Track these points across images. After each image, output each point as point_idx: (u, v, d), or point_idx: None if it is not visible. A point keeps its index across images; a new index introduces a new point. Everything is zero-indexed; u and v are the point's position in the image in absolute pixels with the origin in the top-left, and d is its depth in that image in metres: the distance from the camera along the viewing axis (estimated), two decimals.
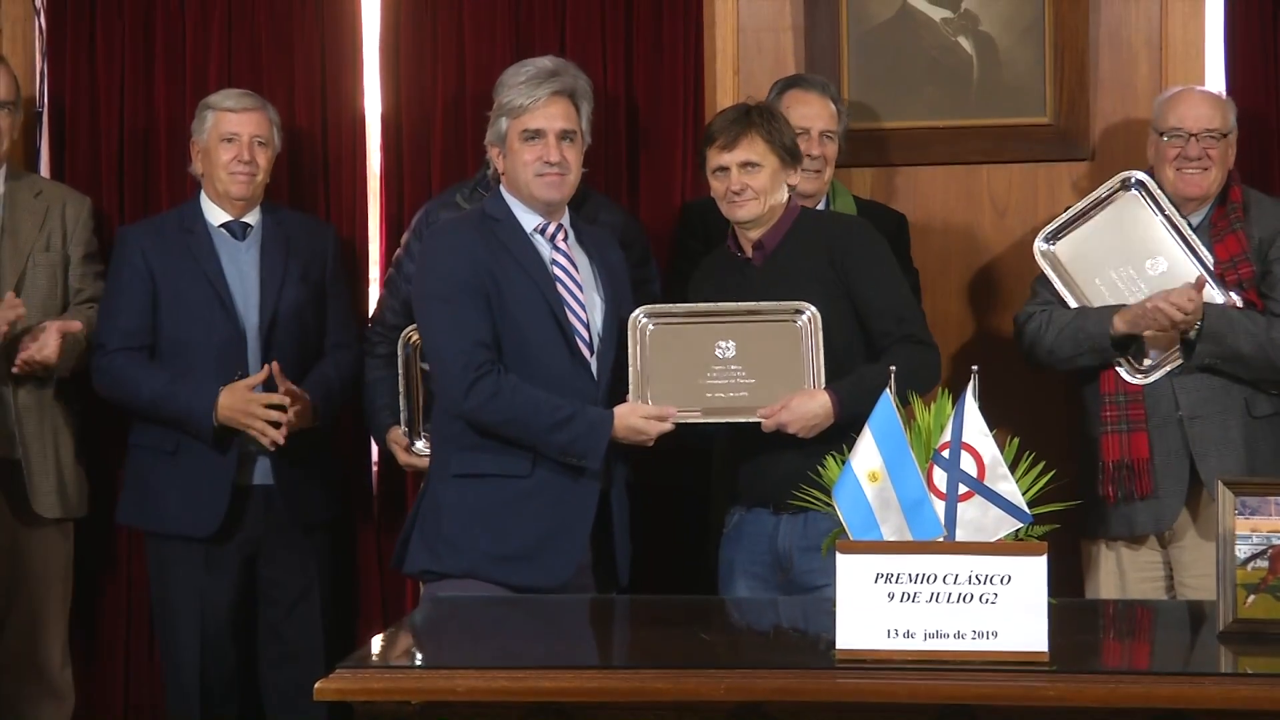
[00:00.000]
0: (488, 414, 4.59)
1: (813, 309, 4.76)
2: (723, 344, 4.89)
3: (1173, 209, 5.01)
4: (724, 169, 4.77)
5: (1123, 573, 5.08)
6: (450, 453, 4.69)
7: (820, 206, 5.20)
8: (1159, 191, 5.01)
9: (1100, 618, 4.48)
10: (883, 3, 5.54)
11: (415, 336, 5.08)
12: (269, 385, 5.10)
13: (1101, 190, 5.06)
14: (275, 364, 5.10)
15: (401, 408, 5.15)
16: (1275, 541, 3.87)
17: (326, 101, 5.64)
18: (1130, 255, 5.01)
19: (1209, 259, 4.97)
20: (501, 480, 4.60)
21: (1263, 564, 3.87)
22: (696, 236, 5.22)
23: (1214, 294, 4.91)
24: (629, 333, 4.80)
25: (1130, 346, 4.96)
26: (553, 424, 4.56)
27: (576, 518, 4.64)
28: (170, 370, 5.13)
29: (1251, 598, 3.86)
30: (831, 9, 5.54)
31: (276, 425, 5.06)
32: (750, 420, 4.76)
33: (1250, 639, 3.82)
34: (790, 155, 4.78)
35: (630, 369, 4.82)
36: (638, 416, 4.73)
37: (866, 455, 3.70)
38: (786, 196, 4.80)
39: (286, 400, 5.10)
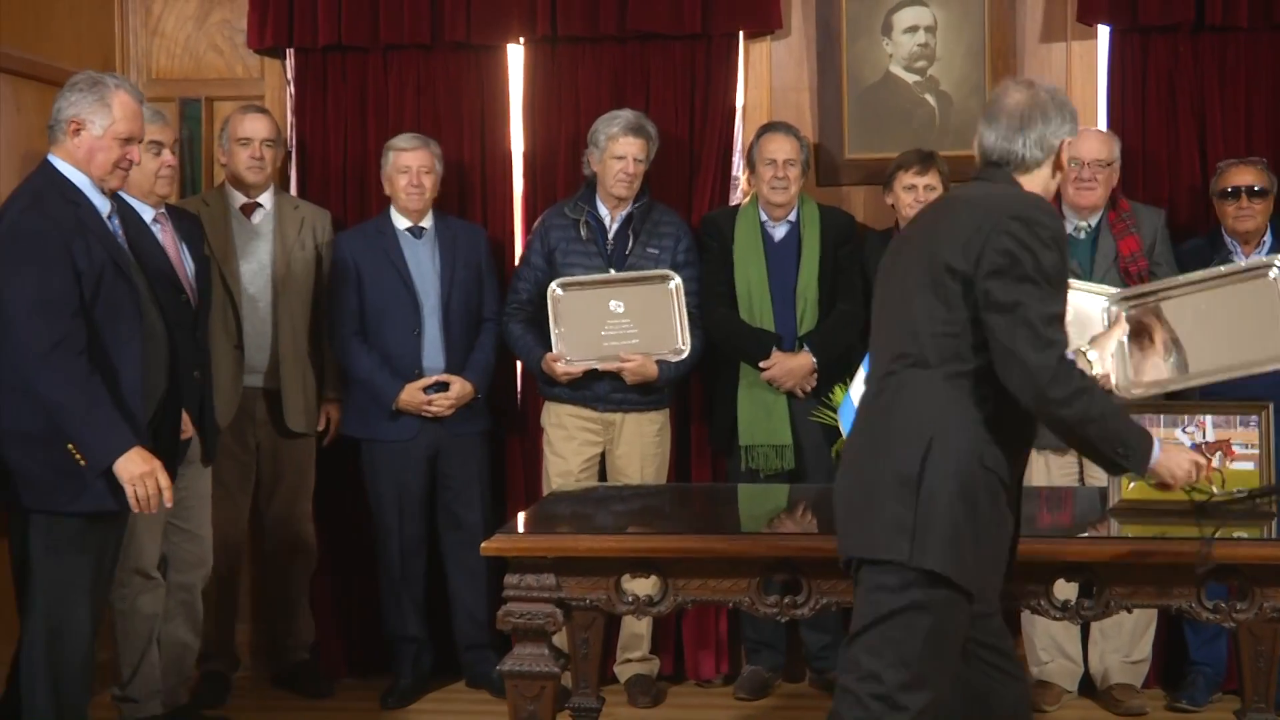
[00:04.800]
0: None
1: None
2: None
3: None
4: (914, 187, 5.03)
5: (1049, 470, 5.01)
6: None
7: (792, 214, 5.20)
8: None
9: (1028, 498, 4.43)
10: (872, 71, 5.48)
11: (557, 290, 5.09)
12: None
13: None
14: (444, 377, 5.19)
15: (554, 338, 5.09)
16: None
17: (484, 141, 5.60)
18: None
19: (1091, 284, 4.77)
20: None
21: None
22: (714, 238, 5.23)
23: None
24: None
25: None
26: None
27: None
28: (376, 356, 5.18)
29: (1132, 484, 3.85)
30: (835, 75, 5.48)
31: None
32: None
33: (1131, 513, 3.83)
34: (948, 187, 5.04)
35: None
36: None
37: (860, 385, 3.71)
38: None
39: (450, 400, 5.17)
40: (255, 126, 5.23)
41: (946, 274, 3.17)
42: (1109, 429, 3.17)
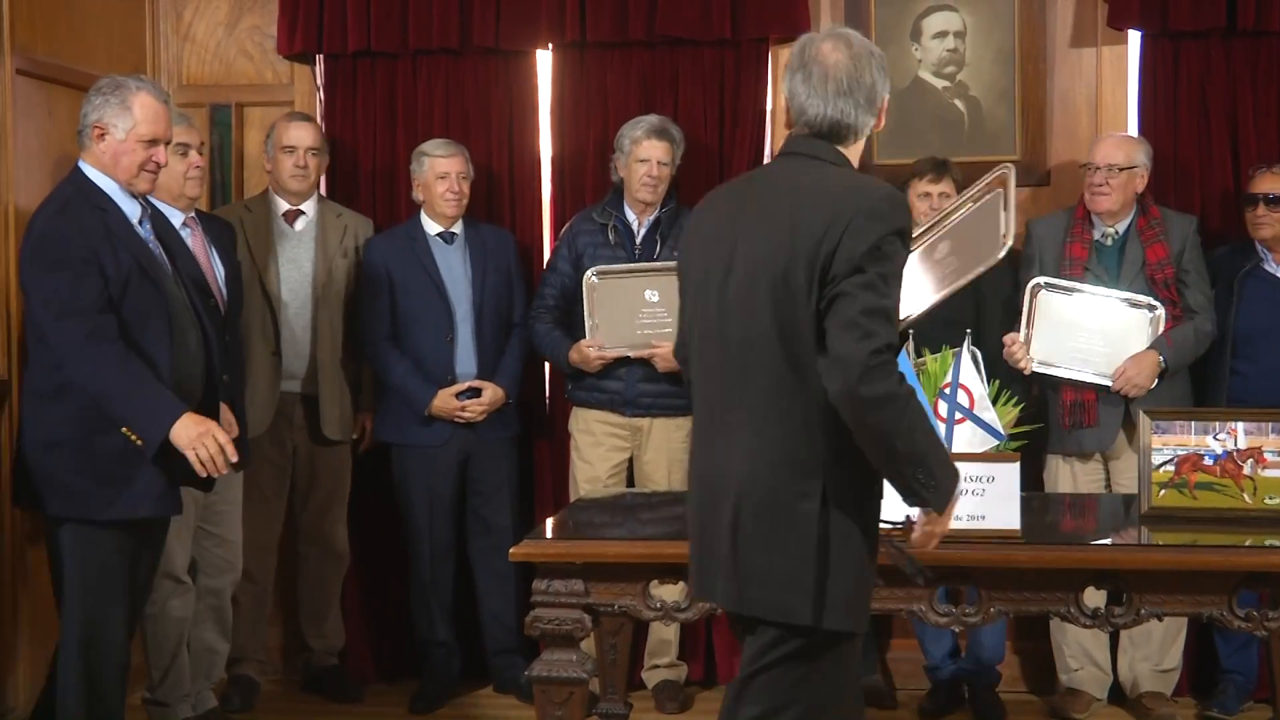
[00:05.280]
0: None
1: None
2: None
3: (1074, 283, 4.86)
4: (928, 195, 5.01)
5: (1075, 478, 4.99)
6: None
7: None
8: (1058, 281, 4.85)
9: (1058, 506, 4.46)
10: (901, 76, 5.45)
11: (593, 278, 5.10)
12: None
13: (1025, 301, 4.84)
14: (476, 383, 5.21)
15: (588, 328, 5.10)
16: (1180, 452, 3.85)
17: (513, 147, 5.61)
18: (1074, 327, 4.84)
19: (1119, 292, 4.85)
20: None
21: (1170, 468, 3.86)
22: None
23: (1146, 317, 4.84)
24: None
25: None
26: None
27: None
28: (409, 361, 5.19)
29: (1163, 491, 3.86)
30: None
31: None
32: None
33: (1161, 520, 3.82)
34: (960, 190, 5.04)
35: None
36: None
37: None
38: None
39: (483, 405, 5.18)
40: (300, 135, 5.25)
41: (801, 288, 2.84)
42: (917, 449, 2.82)
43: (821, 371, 2.81)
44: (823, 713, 2.98)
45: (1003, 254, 4.69)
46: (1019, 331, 4.84)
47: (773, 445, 2.90)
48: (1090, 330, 4.84)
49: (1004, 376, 4.54)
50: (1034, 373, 4.85)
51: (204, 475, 3.87)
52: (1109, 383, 4.80)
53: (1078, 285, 4.85)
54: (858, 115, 2.99)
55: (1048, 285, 4.86)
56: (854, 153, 3.03)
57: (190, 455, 3.80)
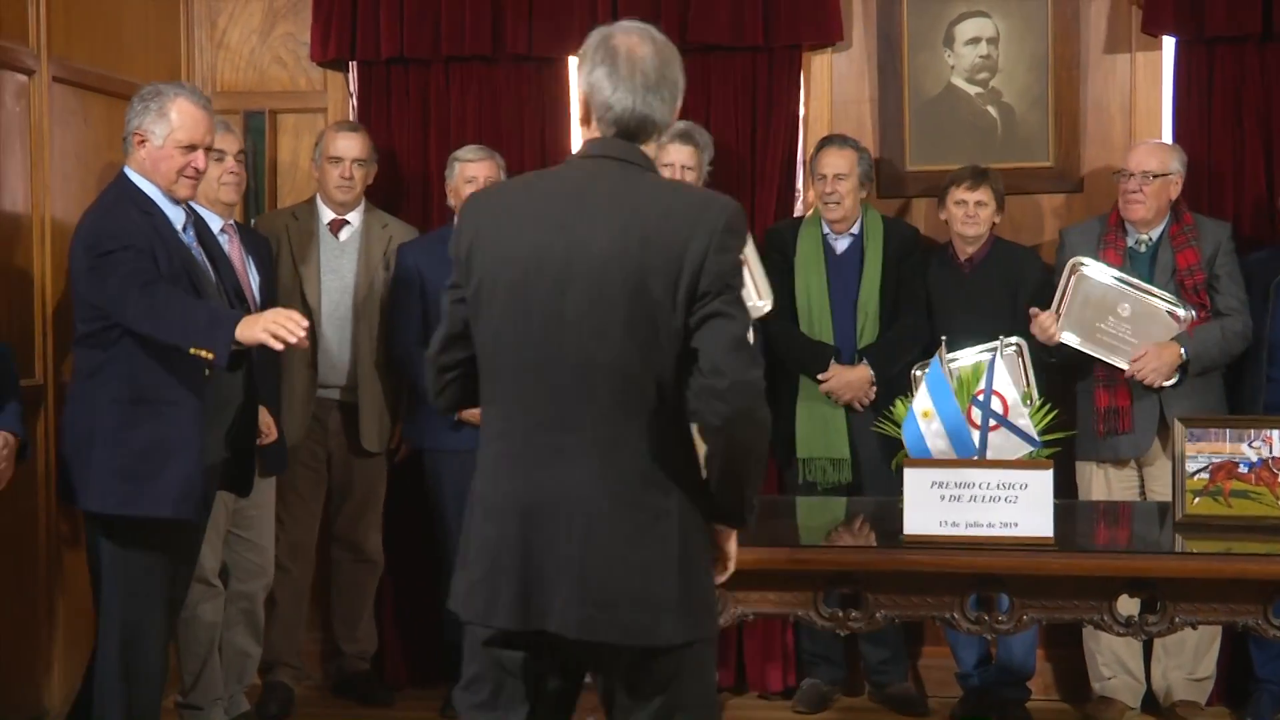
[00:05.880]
0: None
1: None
2: None
3: (1113, 270, 4.85)
4: (964, 202, 5.04)
5: (1109, 484, 4.98)
6: None
7: (855, 226, 5.20)
8: (1097, 263, 4.86)
9: (1091, 513, 4.45)
10: (934, 83, 5.47)
11: None
12: None
13: (1064, 277, 4.85)
14: None
15: None
16: (1214, 460, 3.84)
17: (545, 152, 5.61)
18: (1105, 310, 4.82)
19: (1156, 289, 4.83)
20: None
21: (1205, 475, 3.84)
22: (777, 250, 5.23)
23: (1175, 323, 4.80)
24: None
25: None
26: None
27: None
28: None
29: (1197, 499, 3.84)
30: (897, 87, 5.48)
31: None
32: None
33: (1196, 528, 3.80)
34: (1002, 203, 5.11)
35: None
36: None
37: (922, 400, 3.69)
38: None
39: None
40: (346, 145, 5.26)
41: (662, 304, 2.70)
42: (759, 475, 2.82)
43: (703, 392, 2.67)
44: (710, 711, 2.93)
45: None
46: (1053, 307, 4.84)
47: (624, 466, 2.75)
48: (1120, 318, 4.83)
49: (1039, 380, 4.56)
50: (1059, 344, 4.83)
51: (281, 348, 3.83)
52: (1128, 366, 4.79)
53: (1116, 272, 4.84)
54: (664, 112, 2.85)
55: (1087, 265, 4.85)
56: (650, 152, 2.90)
57: (265, 338, 3.77)
